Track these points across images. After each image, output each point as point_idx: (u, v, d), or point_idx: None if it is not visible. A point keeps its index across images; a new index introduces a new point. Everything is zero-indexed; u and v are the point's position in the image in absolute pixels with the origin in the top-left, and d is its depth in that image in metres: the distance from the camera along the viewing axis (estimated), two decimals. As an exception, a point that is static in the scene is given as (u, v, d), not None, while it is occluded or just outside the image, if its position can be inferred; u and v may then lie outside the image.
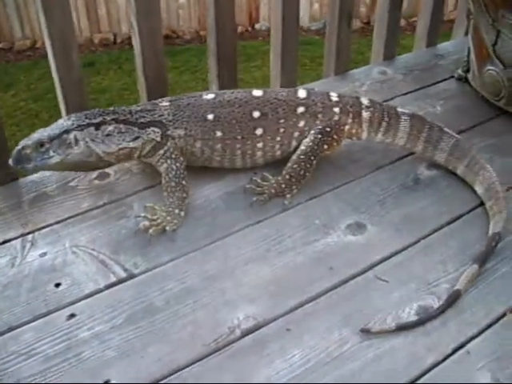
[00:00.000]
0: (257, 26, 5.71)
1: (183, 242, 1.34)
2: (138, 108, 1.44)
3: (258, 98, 1.48)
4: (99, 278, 1.25)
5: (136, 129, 1.40)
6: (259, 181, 1.48)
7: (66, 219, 1.40)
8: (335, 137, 1.50)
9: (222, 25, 1.67)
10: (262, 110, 1.46)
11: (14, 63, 5.19)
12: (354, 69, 2.11)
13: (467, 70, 1.98)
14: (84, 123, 1.36)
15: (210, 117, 1.43)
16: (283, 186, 1.45)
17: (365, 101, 1.56)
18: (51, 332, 1.15)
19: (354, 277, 1.26)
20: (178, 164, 1.41)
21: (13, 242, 1.34)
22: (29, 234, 1.36)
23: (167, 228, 1.36)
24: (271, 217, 1.42)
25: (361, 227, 1.39)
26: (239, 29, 5.40)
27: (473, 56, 1.90)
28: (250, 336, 1.14)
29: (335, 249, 1.33)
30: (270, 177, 1.48)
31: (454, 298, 1.21)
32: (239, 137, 1.45)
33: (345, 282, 1.25)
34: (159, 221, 1.36)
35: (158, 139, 1.41)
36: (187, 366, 1.09)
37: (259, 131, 1.46)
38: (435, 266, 1.29)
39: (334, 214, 1.43)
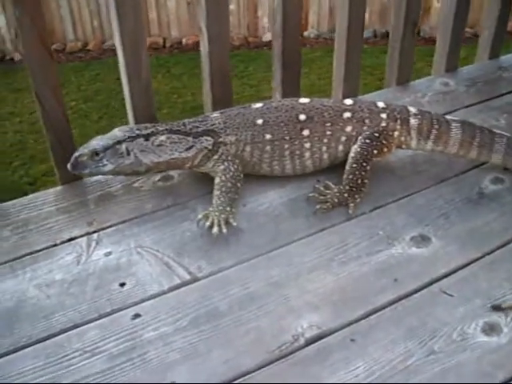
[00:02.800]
0: (305, 34, 5.71)
1: (246, 248, 1.34)
2: (191, 120, 1.49)
3: (304, 104, 1.52)
4: (163, 279, 1.26)
5: (190, 138, 1.45)
6: (322, 189, 1.47)
7: (131, 219, 1.42)
8: (384, 142, 1.50)
9: (289, 31, 1.67)
10: (307, 114, 1.49)
11: (65, 64, 5.30)
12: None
13: (532, 84, 1.95)
14: (134, 134, 1.42)
15: (259, 121, 1.48)
16: (346, 195, 1.45)
17: (412, 109, 1.56)
18: (116, 331, 1.16)
19: (418, 289, 1.24)
20: (235, 166, 1.45)
21: (78, 240, 1.37)
22: (94, 232, 1.39)
23: (229, 221, 1.37)
24: (334, 225, 1.41)
25: (425, 240, 1.37)
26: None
27: (539, 69, 1.87)
28: (315, 345, 1.13)
29: (400, 260, 1.31)
30: (333, 186, 1.48)
31: None
32: (287, 137, 1.48)
33: (410, 294, 1.23)
34: (216, 221, 1.37)
35: (210, 147, 1.46)
36: (251, 372, 1.08)
37: (306, 132, 1.49)
38: (501, 282, 1.27)
39: (397, 225, 1.41)
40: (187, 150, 1.45)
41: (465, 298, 1.23)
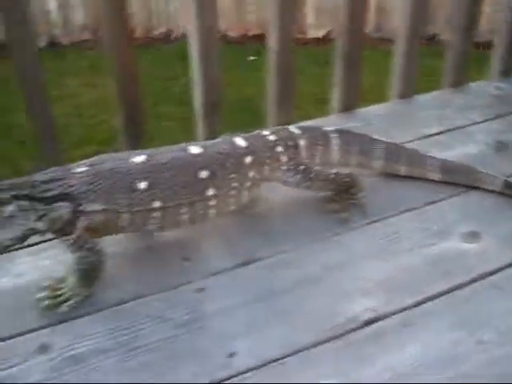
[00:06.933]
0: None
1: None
2: (45, 177, 1.18)
3: (199, 155, 1.30)
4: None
5: (41, 205, 1.15)
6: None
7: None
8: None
9: (354, 28, 1.72)
10: (209, 169, 1.29)
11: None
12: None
13: None
14: None
15: (143, 185, 1.22)
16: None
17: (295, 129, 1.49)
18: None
19: (470, 282, 1.29)
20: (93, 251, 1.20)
21: None
22: None
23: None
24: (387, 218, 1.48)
25: (475, 236, 1.41)
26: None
27: None
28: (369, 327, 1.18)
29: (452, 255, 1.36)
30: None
31: None
32: (186, 201, 1.27)
33: (461, 286, 1.27)
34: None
35: (68, 216, 1.17)
36: (307, 348, 1.14)
37: (211, 191, 1.29)
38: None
39: (449, 221, 1.46)
40: (39, 219, 1.15)
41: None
